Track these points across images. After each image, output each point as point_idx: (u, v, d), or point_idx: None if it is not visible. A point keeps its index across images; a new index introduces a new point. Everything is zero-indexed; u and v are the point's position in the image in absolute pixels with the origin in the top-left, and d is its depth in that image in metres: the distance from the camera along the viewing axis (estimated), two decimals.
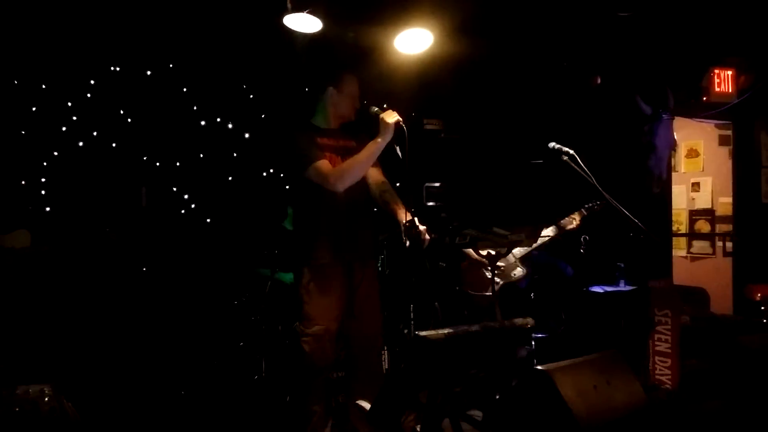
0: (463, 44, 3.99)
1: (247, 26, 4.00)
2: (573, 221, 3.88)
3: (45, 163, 4.16)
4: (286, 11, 3.24)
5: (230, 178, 4.70)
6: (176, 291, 4.33)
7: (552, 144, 3.62)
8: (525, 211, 3.95)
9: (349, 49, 4.04)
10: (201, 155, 4.61)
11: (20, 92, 4.06)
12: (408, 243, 2.86)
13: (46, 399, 2.32)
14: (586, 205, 3.91)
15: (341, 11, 3.42)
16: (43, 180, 4.16)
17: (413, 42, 3.58)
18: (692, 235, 5.66)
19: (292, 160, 2.97)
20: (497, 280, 3.72)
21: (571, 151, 3.54)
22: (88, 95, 4.27)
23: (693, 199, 5.72)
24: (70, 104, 4.22)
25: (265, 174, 4.85)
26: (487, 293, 3.72)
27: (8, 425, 2.16)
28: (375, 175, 3.13)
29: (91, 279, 4.08)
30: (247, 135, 4.75)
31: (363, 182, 3.07)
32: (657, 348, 3.96)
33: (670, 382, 3.87)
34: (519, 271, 3.81)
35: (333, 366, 3.13)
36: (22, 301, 3.70)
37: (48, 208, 4.14)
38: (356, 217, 3.04)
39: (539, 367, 2.79)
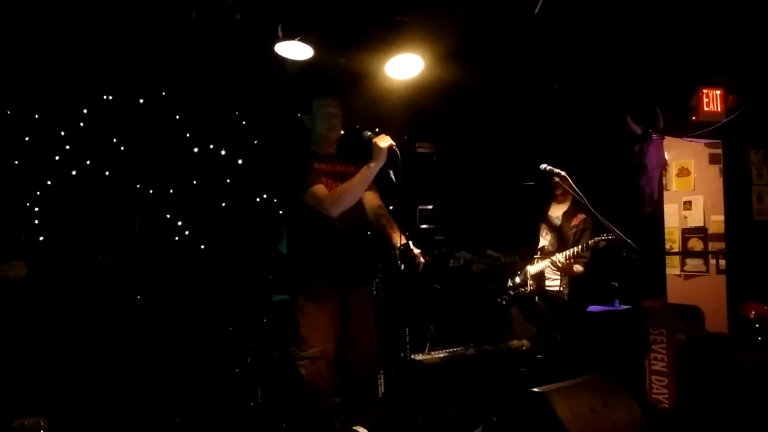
0: (454, 69, 4.04)
1: (239, 53, 4.04)
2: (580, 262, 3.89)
3: (39, 193, 4.16)
4: (278, 39, 3.28)
5: (224, 204, 4.70)
6: (171, 318, 4.31)
7: (543, 165, 3.65)
8: (518, 232, 3.97)
9: (339, 75, 4.09)
10: (194, 182, 4.62)
11: (13, 122, 4.07)
12: (403, 267, 2.86)
13: (42, 431, 2.30)
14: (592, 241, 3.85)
15: (332, 38, 3.46)
16: (36, 209, 4.15)
17: (404, 67, 3.62)
18: (685, 253, 5.67)
19: (289, 184, 2.98)
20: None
21: (563, 172, 3.57)
22: (81, 124, 4.29)
23: (685, 217, 5.74)
24: (63, 133, 4.24)
25: (258, 199, 4.86)
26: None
27: None
28: (371, 200, 3.14)
29: (86, 307, 4.06)
30: (240, 161, 4.77)
31: (359, 207, 3.08)
32: (653, 367, 3.95)
33: (667, 402, 3.85)
34: (527, 288, 3.82)
35: (331, 391, 3.08)
36: (17, 333, 3.67)
37: (42, 238, 4.13)
38: (351, 242, 3.04)
39: (536, 389, 2.78)
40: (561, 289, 3.90)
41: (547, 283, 3.92)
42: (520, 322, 3.89)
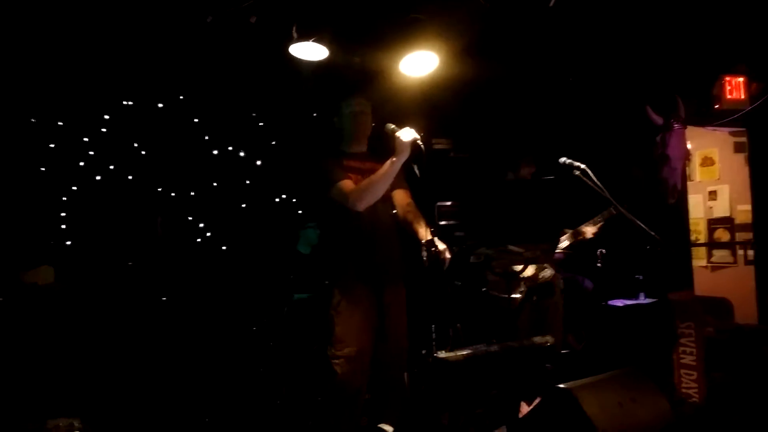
0: (469, 64, 4.01)
1: (255, 56, 4.07)
2: (589, 231, 3.81)
3: (64, 198, 4.24)
4: (292, 40, 3.28)
5: (244, 206, 4.74)
6: (196, 319, 4.36)
7: (563, 159, 3.60)
8: (538, 227, 3.93)
9: (355, 73, 4.09)
10: (214, 184, 4.67)
11: (38, 130, 4.15)
12: (428, 262, 2.82)
13: None
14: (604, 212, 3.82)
15: (346, 38, 3.46)
16: (63, 214, 4.23)
17: (419, 64, 3.61)
18: (712, 244, 5.56)
19: (318, 181, 2.99)
20: (524, 283, 3.68)
21: (583, 166, 3.52)
22: (103, 130, 4.36)
23: (711, 207, 5.64)
24: (86, 140, 4.31)
25: (277, 200, 4.89)
26: (514, 295, 3.67)
27: None
28: (401, 197, 3.13)
29: (113, 309, 4.12)
30: (258, 162, 4.80)
31: (390, 204, 3.08)
32: (682, 361, 3.89)
33: (696, 396, 3.79)
34: (548, 273, 3.76)
35: (365, 390, 3.05)
36: (47, 336, 3.74)
37: (69, 243, 4.20)
38: (383, 239, 3.02)
39: (561, 385, 2.75)
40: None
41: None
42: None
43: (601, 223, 3.79)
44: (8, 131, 4.03)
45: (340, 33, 3.30)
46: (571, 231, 3.81)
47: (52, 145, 4.22)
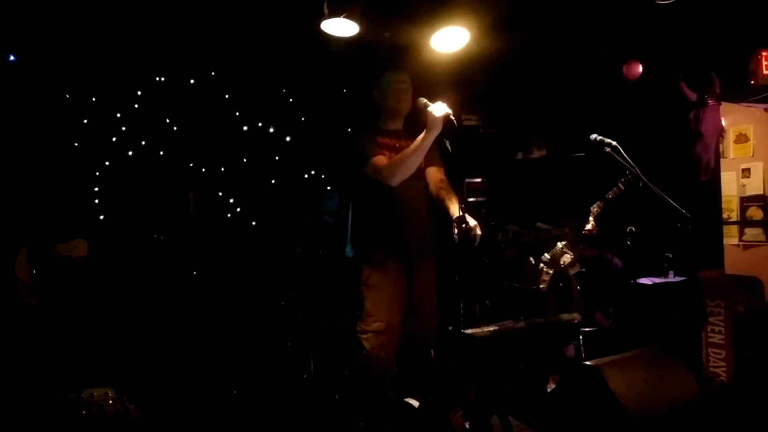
0: (500, 40, 3.96)
1: (285, 32, 4.07)
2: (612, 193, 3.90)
3: (97, 173, 4.32)
4: (323, 16, 3.28)
5: (273, 181, 4.78)
6: (225, 293, 4.44)
7: (594, 136, 3.56)
8: (568, 204, 3.91)
9: (385, 49, 4.07)
10: (244, 160, 4.71)
11: (72, 106, 4.22)
12: (458, 239, 2.81)
13: (110, 401, 2.42)
14: (621, 179, 3.90)
15: (377, 13, 3.44)
16: (96, 189, 4.32)
17: (450, 40, 3.57)
18: (744, 222, 5.47)
19: (352, 157, 3.01)
20: (547, 270, 3.68)
21: (614, 143, 3.49)
22: (136, 106, 4.41)
23: (744, 185, 5.53)
24: (119, 115, 4.37)
25: (306, 176, 4.92)
26: (536, 286, 3.67)
27: (76, 427, 2.26)
28: (434, 174, 3.13)
29: (145, 283, 4.22)
30: (288, 138, 4.83)
31: (423, 181, 3.09)
32: (710, 340, 3.88)
33: (725, 375, 3.78)
34: (567, 258, 3.74)
35: (394, 365, 3.09)
36: (81, 308, 3.85)
37: (102, 217, 4.30)
38: (415, 215, 3.04)
39: (588, 362, 2.76)
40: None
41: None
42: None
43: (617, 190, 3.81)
44: (43, 107, 4.10)
45: (370, 8, 3.27)
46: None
47: (85, 121, 4.29)
